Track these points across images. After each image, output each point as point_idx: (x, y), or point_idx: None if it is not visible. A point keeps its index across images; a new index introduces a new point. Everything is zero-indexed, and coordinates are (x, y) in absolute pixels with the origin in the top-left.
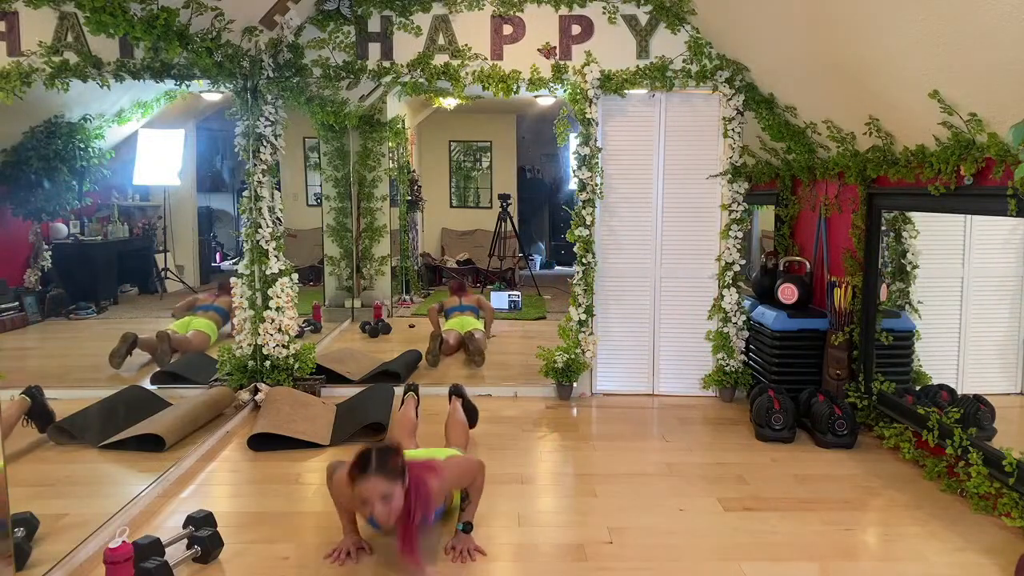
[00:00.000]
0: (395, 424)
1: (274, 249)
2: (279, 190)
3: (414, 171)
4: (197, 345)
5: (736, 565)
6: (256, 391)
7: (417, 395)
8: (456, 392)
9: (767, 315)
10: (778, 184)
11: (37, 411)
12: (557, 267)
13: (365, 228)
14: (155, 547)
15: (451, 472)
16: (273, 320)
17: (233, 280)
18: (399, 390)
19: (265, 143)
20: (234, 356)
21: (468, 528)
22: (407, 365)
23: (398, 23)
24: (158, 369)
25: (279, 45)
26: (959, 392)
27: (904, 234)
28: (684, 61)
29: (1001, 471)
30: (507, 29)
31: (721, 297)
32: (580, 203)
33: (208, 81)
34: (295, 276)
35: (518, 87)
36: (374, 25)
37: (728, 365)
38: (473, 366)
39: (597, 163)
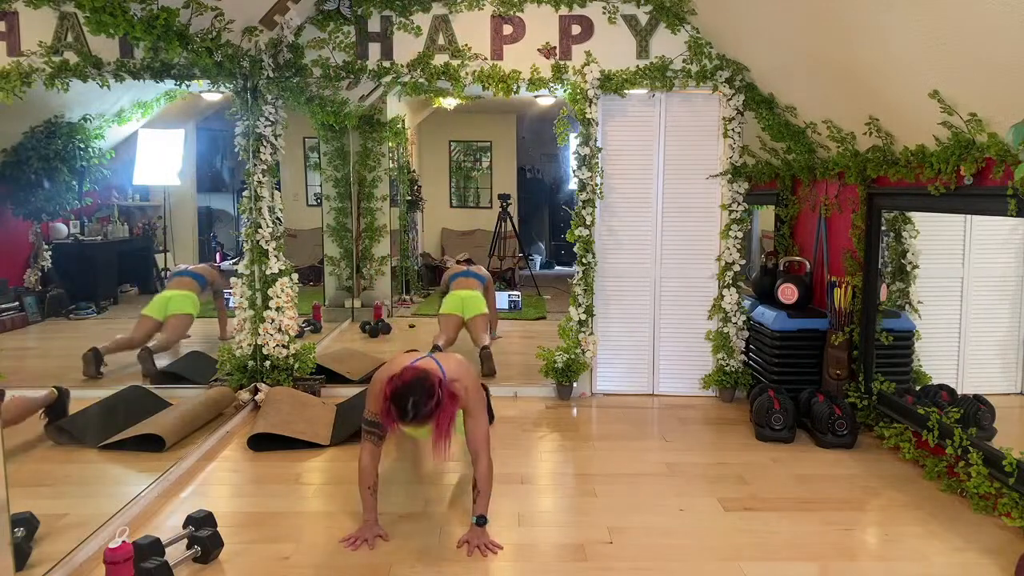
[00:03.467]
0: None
1: (274, 249)
2: (279, 190)
3: (414, 171)
4: (177, 331)
5: (736, 565)
6: (256, 391)
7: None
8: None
9: (767, 315)
10: (778, 184)
11: (58, 409)
12: (557, 267)
13: (365, 228)
14: (155, 547)
15: (473, 406)
16: (273, 320)
17: (233, 280)
18: None
19: (265, 143)
20: (234, 356)
21: (483, 522)
22: None
23: (398, 23)
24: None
25: (279, 45)
26: (959, 392)
27: (904, 234)
28: (684, 61)
29: (1001, 471)
30: (507, 29)
31: (721, 297)
32: (580, 203)
33: (208, 81)
34: (295, 276)
35: (518, 87)
36: (374, 25)
37: (728, 365)
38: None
39: (597, 163)
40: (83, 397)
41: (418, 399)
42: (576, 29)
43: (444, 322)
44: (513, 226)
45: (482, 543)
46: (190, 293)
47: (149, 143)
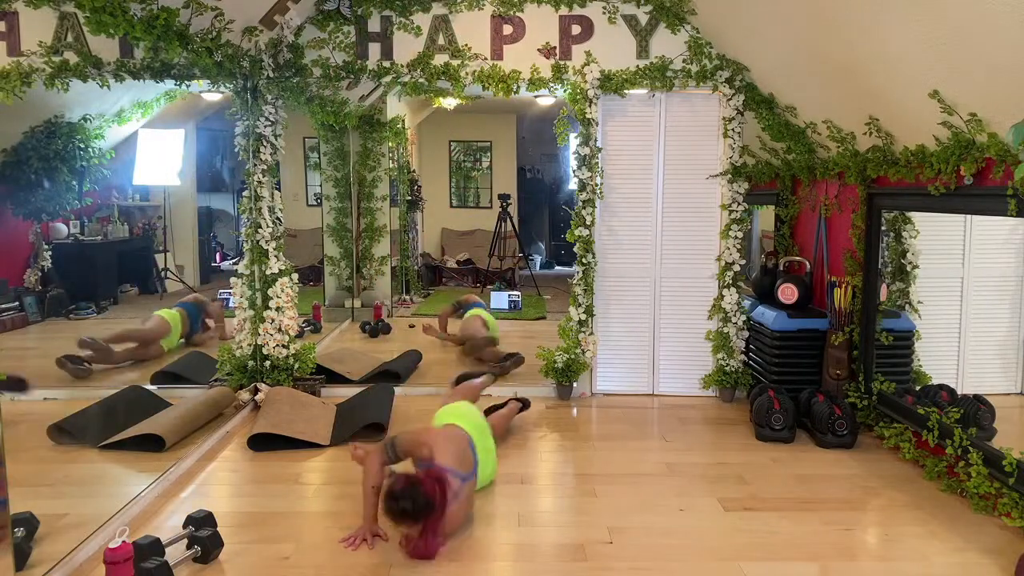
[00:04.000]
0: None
1: (274, 249)
2: (279, 190)
3: (414, 171)
4: (152, 333)
5: (736, 565)
6: (256, 391)
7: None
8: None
9: (767, 315)
10: (778, 184)
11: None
12: (557, 267)
13: (365, 228)
14: (155, 547)
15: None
16: (273, 320)
17: (233, 280)
18: (400, 390)
19: (265, 143)
20: (234, 356)
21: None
22: (407, 365)
23: (398, 23)
24: (157, 370)
25: (279, 45)
26: (959, 392)
27: (904, 234)
28: (684, 61)
29: (1001, 471)
30: (507, 29)
31: (721, 297)
32: (580, 203)
33: (208, 81)
34: (295, 276)
35: (518, 87)
36: (374, 25)
37: (728, 365)
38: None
39: (597, 163)
40: (83, 397)
41: (417, 508)
42: (576, 29)
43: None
44: (513, 226)
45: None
46: (175, 313)
47: (149, 143)
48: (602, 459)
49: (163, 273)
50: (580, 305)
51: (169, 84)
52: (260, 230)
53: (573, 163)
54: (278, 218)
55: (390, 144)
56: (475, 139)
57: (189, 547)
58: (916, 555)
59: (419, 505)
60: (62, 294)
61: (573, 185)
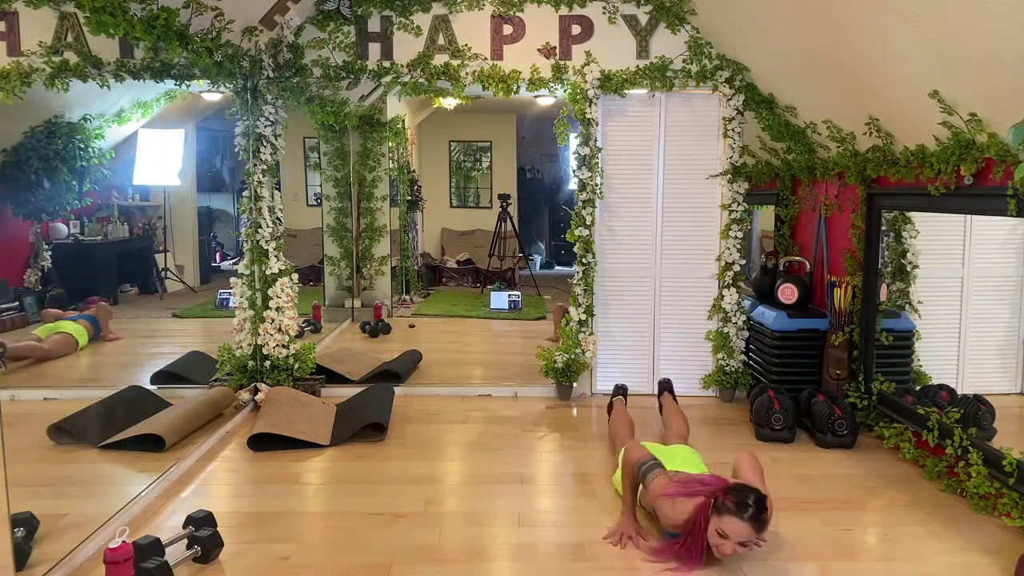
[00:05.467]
0: (616, 426)
1: (274, 249)
2: (279, 190)
3: (414, 171)
4: (56, 350)
5: (736, 565)
6: (256, 391)
7: (625, 396)
8: (666, 388)
9: (767, 315)
10: (778, 184)
11: None
12: (557, 267)
13: (365, 228)
14: (155, 547)
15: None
16: (273, 320)
17: (233, 280)
18: (400, 390)
19: (265, 143)
20: (234, 356)
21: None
22: (407, 365)
23: (398, 23)
24: (157, 369)
25: (279, 45)
26: (959, 392)
27: (904, 234)
28: (684, 61)
29: (1001, 471)
30: (507, 29)
31: (721, 297)
32: (580, 203)
33: (208, 81)
34: (295, 276)
35: (518, 87)
36: (374, 25)
37: (728, 365)
38: None
39: (597, 163)
40: (83, 397)
41: (762, 505)
42: (576, 29)
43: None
44: (513, 226)
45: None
46: (79, 327)
47: (149, 143)
48: (602, 459)
49: (163, 273)
50: (580, 305)
51: (169, 84)
52: (260, 230)
53: (573, 163)
54: (278, 218)
55: (390, 144)
56: (475, 139)
57: (189, 547)
58: (916, 555)
59: (761, 512)
60: (62, 294)
61: (573, 185)
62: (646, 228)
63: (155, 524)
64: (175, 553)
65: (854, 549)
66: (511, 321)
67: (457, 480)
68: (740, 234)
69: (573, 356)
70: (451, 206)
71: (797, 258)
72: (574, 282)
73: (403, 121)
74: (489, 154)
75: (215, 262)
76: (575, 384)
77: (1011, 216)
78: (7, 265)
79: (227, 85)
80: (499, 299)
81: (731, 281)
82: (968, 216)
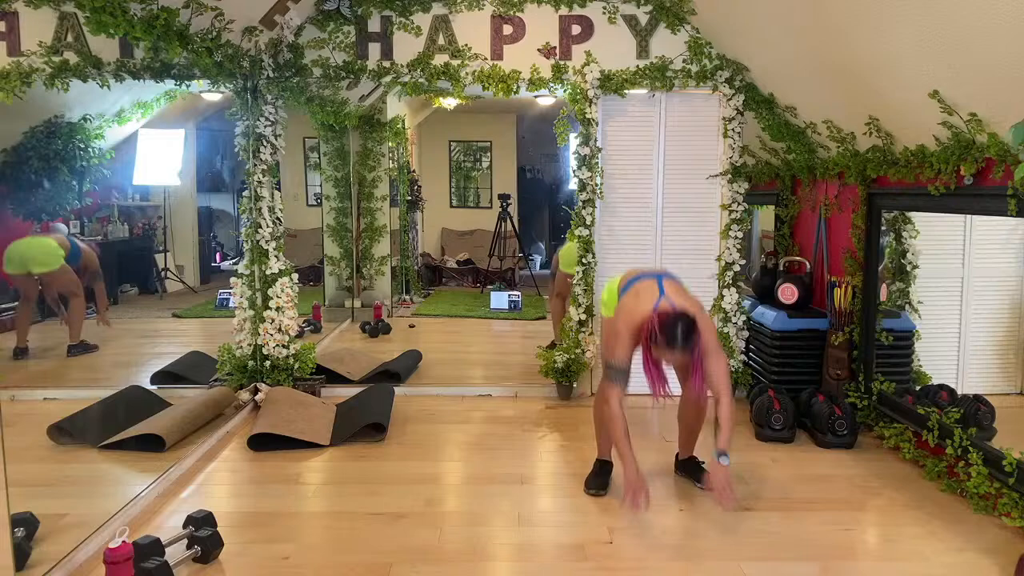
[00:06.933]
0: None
1: (274, 249)
2: (279, 190)
3: (414, 171)
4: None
5: (736, 565)
6: (256, 391)
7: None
8: None
9: (767, 315)
10: (778, 184)
11: None
12: (556, 261)
13: (365, 228)
14: (155, 547)
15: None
16: (273, 320)
17: (233, 280)
18: (400, 390)
19: (265, 143)
20: (234, 356)
21: (725, 458)
22: (407, 365)
23: (398, 23)
24: (157, 369)
25: (279, 45)
26: (959, 392)
27: (904, 234)
28: (684, 61)
29: (1001, 471)
30: (507, 29)
31: (721, 297)
32: (580, 203)
33: (208, 81)
34: (295, 276)
35: (518, 87)
36: (374, 25)
37: (728, 365)
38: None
39: (597, 163)
40: (83, 397)
41: (687, 329)
42: (576, 29)
43: None
44: (513, 226)
45: (725, 485)
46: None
47: (149, 143)
48: None
49: (163, 273)
50: (580, 305)
51: (169, 84)
52: (260, 230)
53: (573, 163)
54: (278, 218)
55: (390, 144)
56: (475, 139)
57: (189, 547)
58: (916, 555)
59: (688, 324)
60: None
61: (573, 185)
62: (646, 228)
63: (155, 524)
64: (175, 553)
65: (854, 549)
66: (511, 321)
67: (457, 480)
68: (740, 234)
69: (573, 356)
70: (451, 206)
71: (797, 258)
72: (574, 282)
73: (403, 121)
74: (489, 154)
75: (215, 262)
76: (575, 384)
77: (1011, 216)
78: None
79: (227, 85)
80: (499, 299)
81: (731, 281)
82: (968, 216)
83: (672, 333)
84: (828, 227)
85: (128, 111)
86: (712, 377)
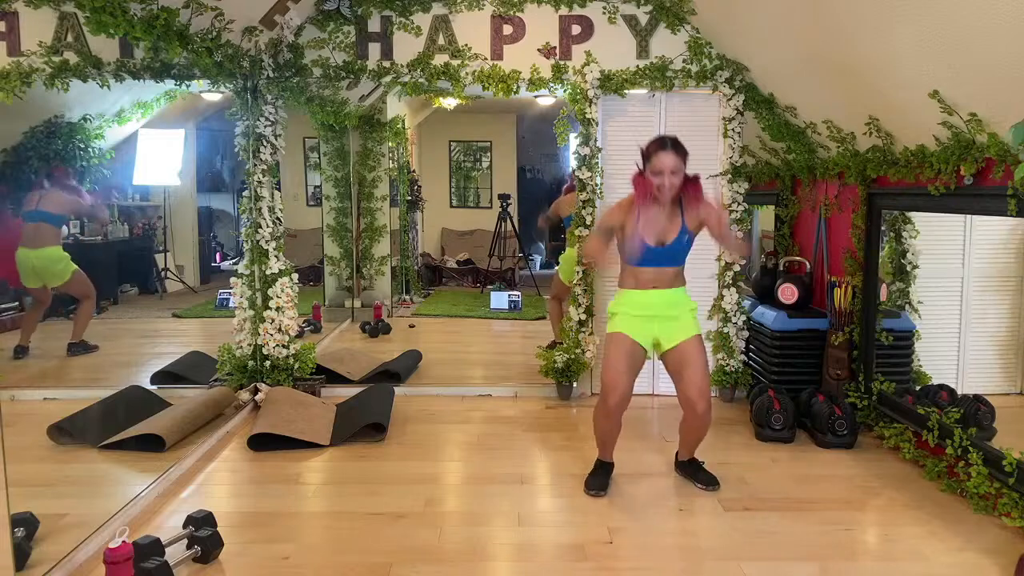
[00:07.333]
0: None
1: (274, 249)
2: (279, 190)
3: (414, 171)
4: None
5: (736, 565)
6: (256, 391)
7: None
8: None
9: (767, 315)
10: (778, 184)
11: None
12: (557, 267)
13: (365, 228)
14: (155, 547)
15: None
16: (273, 320)
17: (233, 280)
18: (400, 390)
19: (265, 143)
20: (234, 356)
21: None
22: (407, 365)
23: (398, 23)
24: (157, 369)
25: (279, 45)
26: (959, 392)
27: (904, 234)
28: (684, 61)
29: (1001, 471)
30: (507, 29)
31: (721, 297)
32: (580, 203)
33: (208, 81)
34: (295, 276)
35: (518, 87)
36: (374, 25)
37: (728, 365)
38: None
39: (597, 163)
40: (83, 397)
41: (675, 139)
42: (576, 29)
43: None
44: (513, 226)
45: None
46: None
47: (149, 143)
48: None
49: (163, 273)
50: (580, 305)
51: (169, 84)
52: (260, 230)
53: (573, 163)
54: (278, 218)
55: (390, 144)
56: (475, 139)
57: (189, 547)
58: (916, 555)
59: (677, 142)
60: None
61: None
62: None
63: (155, 524)
64: (175, 553)
65: (854, 549)
66: (511, 321)
67: (457, 480)
68: (740, 234)
69: (573, 356)
70: (451, 206)
71: (797, 258)
72: (574, 282)
73: (403, 121)
74: (489, 154)
75: (215, 262)
76: (575, 384)
77: (1011, 216)
78: (7, 265)
79: (227, 85)
80: (499, 299)
81: (731, 281)
82: (968, 216)
83: (661, 138)
84: (828, 227)
85: (128, 111)
86: (711, 220)
